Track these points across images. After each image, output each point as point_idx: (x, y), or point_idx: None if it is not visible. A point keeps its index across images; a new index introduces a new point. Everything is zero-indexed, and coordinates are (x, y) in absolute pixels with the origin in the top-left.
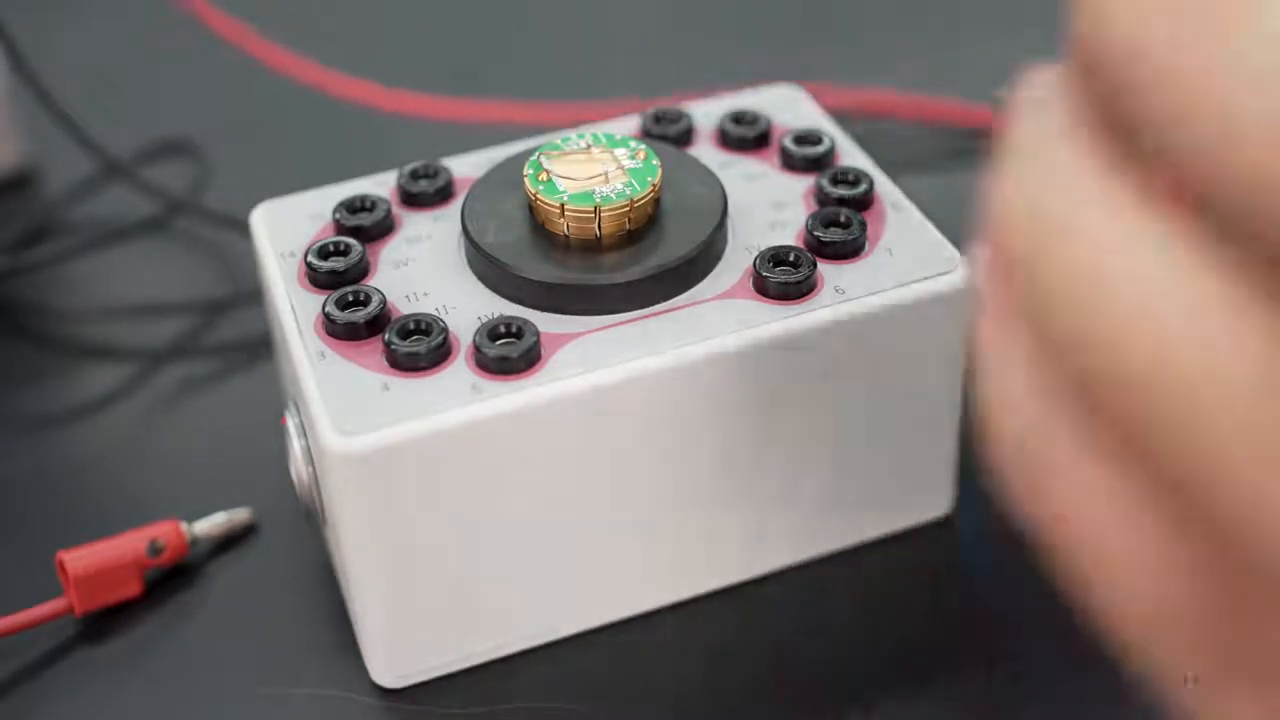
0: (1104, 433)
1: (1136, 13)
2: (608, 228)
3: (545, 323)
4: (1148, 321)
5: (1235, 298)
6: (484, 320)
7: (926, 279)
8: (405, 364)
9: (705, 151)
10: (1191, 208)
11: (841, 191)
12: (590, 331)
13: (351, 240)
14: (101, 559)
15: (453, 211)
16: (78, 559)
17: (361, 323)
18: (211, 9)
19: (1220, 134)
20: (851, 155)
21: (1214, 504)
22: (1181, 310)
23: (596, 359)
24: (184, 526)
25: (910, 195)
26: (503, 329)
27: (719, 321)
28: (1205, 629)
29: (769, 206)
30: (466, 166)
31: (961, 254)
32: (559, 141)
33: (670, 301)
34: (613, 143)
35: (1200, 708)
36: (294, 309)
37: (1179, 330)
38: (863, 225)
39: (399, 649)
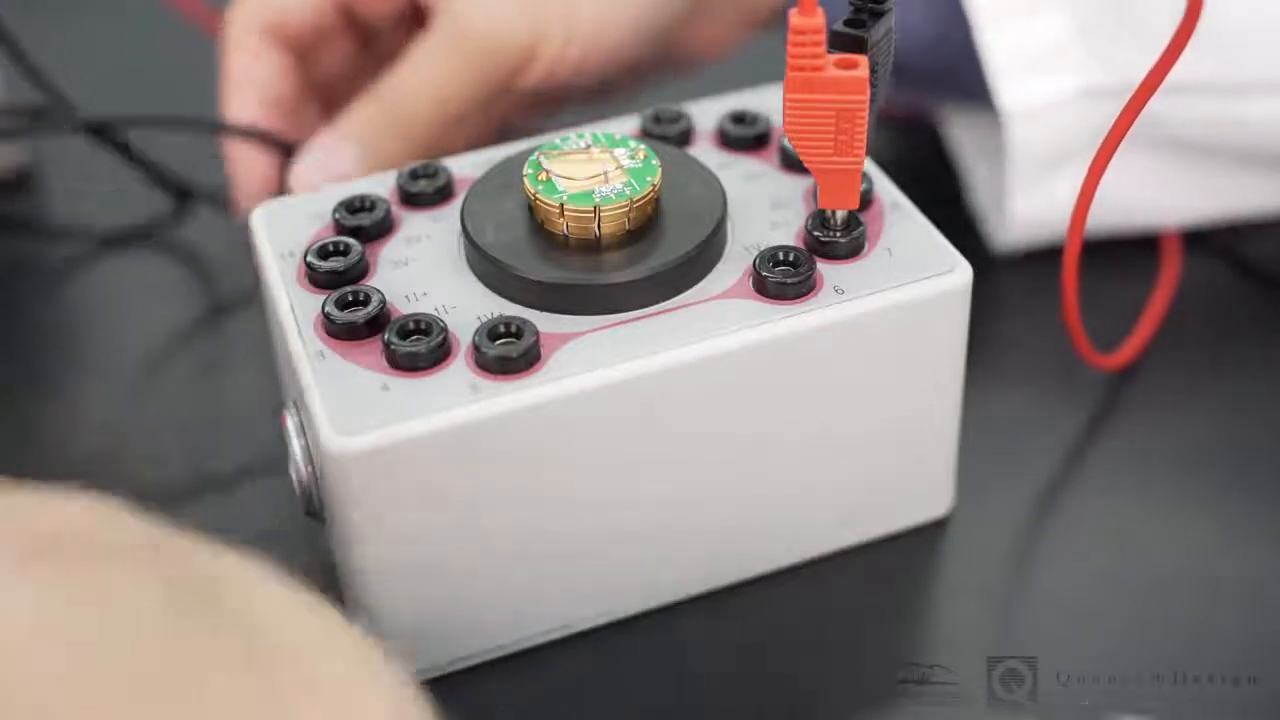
0: None
1: None
2: (607, 228)
3: (545, 323)
4: None
5: None
6: (484, 320)
7: (926, 279)
8: (405, 364)
9: (705, 151)
10: None
11: None
12: (590, 331)
13: (351, 240)
14: None
15: (452, 211)
16: None
17: (361, 323)
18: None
19: None
20: None
21: None
22: None
23: (596, 359)
24: None
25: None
26: (502, 329)
27: (719, 321)
28: None
29: (769, 206)
30: (466, 166)
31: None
32: (558, 141)
33: (670, 301)
34: (612, 143)
35: None
36: (294, 309)
37: None
38: (862, 225)
39: (400, 648)
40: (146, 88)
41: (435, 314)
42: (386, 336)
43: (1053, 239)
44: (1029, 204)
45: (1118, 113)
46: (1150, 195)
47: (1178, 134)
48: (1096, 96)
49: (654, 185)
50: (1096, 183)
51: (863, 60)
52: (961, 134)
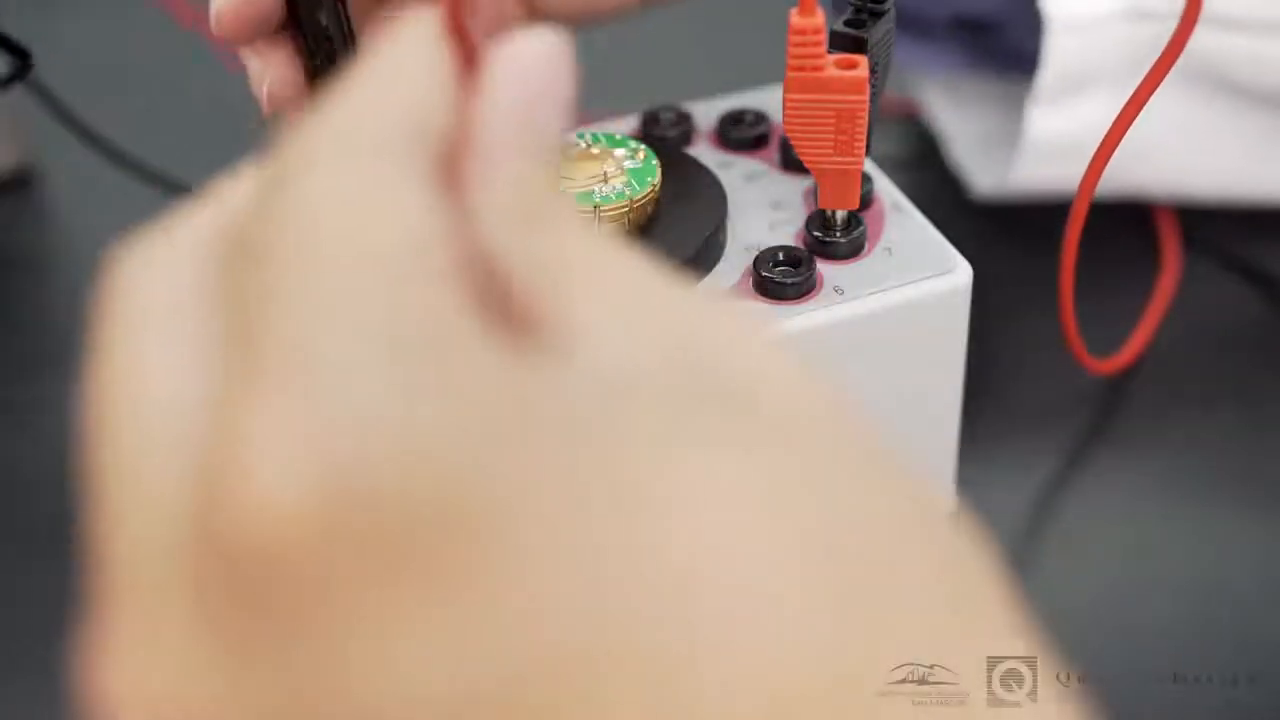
0: None
1: None
2: (607, 228)
3: None
4: None
5: None
6: None
7: (926, 279)
8: None
9: (705, 151)
10: None
11: None
12: None
13: None
14: None
15: None
16: None
17: None
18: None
19: None
20: None
21: None
22: None
23: None
24: None
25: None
26: None
27: None
28: None
29: (769, 206)
30: None
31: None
32: None
33: None
34: (612, 143)
35: None
36: None
37: None
38: (862, 225)
39: None
40: (138, 85)
41: None
42: None
43: (1057, 181)
44: (1049, 123)
45: (1158, 39)
46: (1181, 145)
47: (1213, 70)
48: (1143, 18)
49: (654, 185)
50: (1115, 146)
51: (863, 60)
52: (940, 94)
